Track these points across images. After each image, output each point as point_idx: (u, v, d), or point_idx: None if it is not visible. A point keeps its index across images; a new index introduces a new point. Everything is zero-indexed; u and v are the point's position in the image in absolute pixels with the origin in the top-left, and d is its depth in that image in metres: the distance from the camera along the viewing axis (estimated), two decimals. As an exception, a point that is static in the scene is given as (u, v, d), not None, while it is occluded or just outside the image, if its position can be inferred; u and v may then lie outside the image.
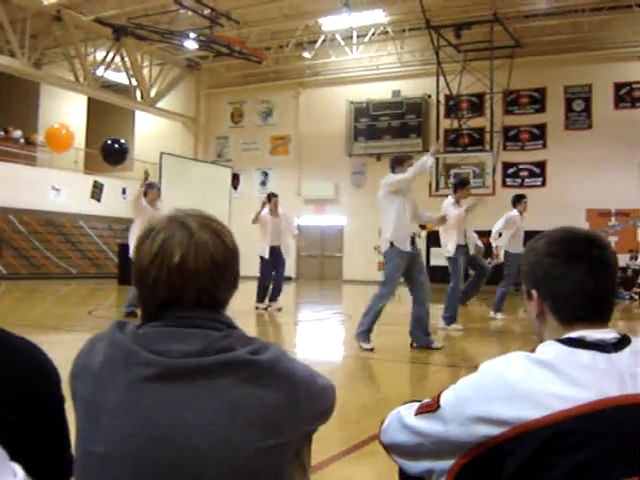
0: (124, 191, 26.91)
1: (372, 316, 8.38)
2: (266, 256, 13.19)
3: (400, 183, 8.32)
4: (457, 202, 11.00)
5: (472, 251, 11.13)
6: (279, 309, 13.07)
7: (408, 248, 8.37)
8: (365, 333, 8.31)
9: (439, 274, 25.09)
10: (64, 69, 25.30)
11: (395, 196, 8.37)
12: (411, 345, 8.59)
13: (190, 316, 1.47)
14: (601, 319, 1.60)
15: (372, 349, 8.13)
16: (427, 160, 8.40)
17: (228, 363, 1.40)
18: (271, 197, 13.64)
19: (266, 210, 13.46)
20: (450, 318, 10.57)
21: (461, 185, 11.30)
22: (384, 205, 8.47)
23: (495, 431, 1.43)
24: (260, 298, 13.22)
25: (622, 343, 1.53)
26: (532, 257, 1.66)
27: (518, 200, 12.32)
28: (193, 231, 1.49)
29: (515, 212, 12.18)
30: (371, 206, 27.37)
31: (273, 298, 13.24)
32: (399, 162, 8.64)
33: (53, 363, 1.62)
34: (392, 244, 8.31)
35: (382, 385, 6.30)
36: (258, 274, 13.35)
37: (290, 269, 27.83)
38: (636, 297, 19.56)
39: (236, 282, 1.58)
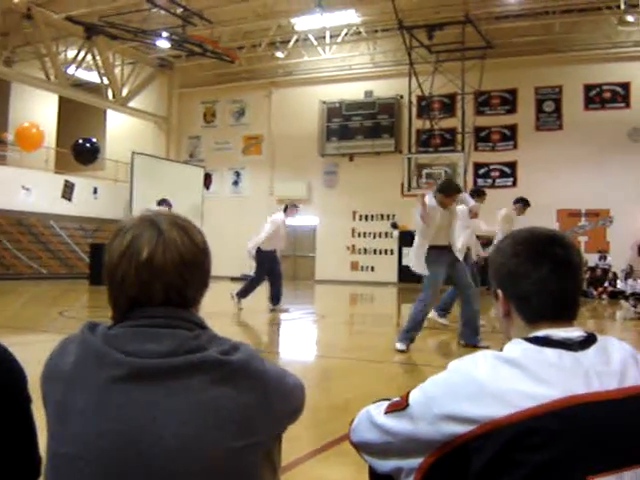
0: (95, 191, 26.74)
1: (411, 322, 8.36)
2: (253, 252, 13.07)
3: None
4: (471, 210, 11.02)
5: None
6: (286, 310, 13.03)
7: (419, 270, 8.47)
8: (403, 333, 8.35)
9: (410, 274, 25.30)
10: (35, 67, 25.04)
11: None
12: (459, 343, 8.79)
13: (161, 315, 1.47)
14: (566, 318, 1.62)
15: (404, 350, 8.13)
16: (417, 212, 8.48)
17: (199, 363, 1.41)
18: (294, 207, 13.67)
19: (282, 215, 13.39)
20: (443, 311, 10.65)
21: (477, 194, 11.32)
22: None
23: (463, 429, 1.44)
24: (245, 294, 13.16)
25: (588, 341, 1.55)
26: (497, 258, 1.69)
27: (517, 202, 12.21)
28: (162, 229, 1.50)
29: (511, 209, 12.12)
30: (343, 206, 27.56)
31: (277, 301, 13.09)
32: (443, 191, 8.53)
33: (19, 363, 1.62)
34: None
35: (353, 384, 6.31)
36: (253, 273, 13.39)
37: (262, 269, 27.81)
38: (604, 296, 19.77)
39: (206, 281, 1.59)
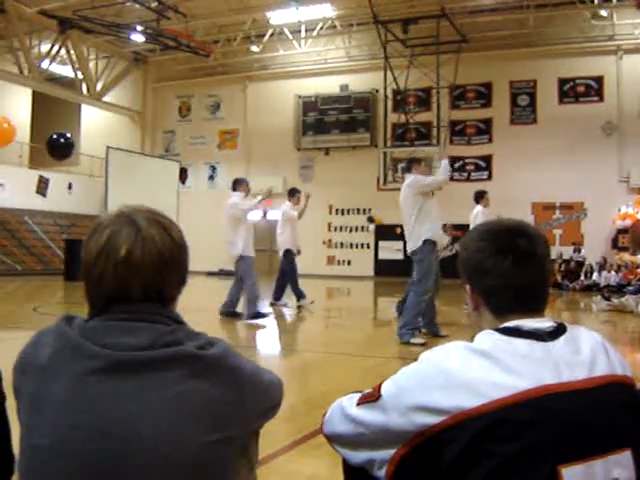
0: (70, 186, 26.57)
1: (414, 314, 8.55)
2: (295, 249, 13.16)
3: (430, 187, 8.66)
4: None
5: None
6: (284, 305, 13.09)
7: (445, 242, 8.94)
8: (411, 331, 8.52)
9: (387, 268, 25.38)
10: (8, 62, 24.80)
11: (423, 196, 8.61)
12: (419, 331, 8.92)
13: (138, 310, 1.47)
14: (534, 310, 1.63)
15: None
16: (446, 164, 8.83)
17: (175, 357, 1.41)
18: (295, 192, 13.49)
19: (288, 204, 13.34)
20: None
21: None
22: (412, 205, 8.62)
23: (434, 420, 1.45)
24: (300, 293, 13.23)
25: (558, 332, 1.56)
26: (464, 252, 1.70)
27: (481, 196, 12.54)
28: (140, 226, 1.50)
29: (480, 207, 12.39)
30: (320, 200, 27.50)
31: (279, 297, 13.22)
32: (418, 162, 9.05)
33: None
34: (430, 241, 8.55)
35: (330, 378, 6.33)
36: (280, 272, 13.38)
37: (239, 264, 27.73)
38: (576, 287, 19.97)
39: (184, 278, 1.59)
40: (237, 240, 10.98)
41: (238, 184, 11.45)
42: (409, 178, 8.75)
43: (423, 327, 8.98)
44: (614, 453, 1.45)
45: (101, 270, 1.47)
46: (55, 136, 24.24)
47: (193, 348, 1.43)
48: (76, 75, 26.68)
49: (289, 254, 13.17)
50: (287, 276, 13.22)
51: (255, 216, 12.15)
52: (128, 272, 1.46)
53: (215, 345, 1.48)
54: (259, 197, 11.41)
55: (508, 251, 1.62)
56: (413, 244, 8.63)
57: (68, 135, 24.74)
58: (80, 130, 29.90)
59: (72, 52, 25.95)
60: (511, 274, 1.61)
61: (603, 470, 1.43)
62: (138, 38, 25.30)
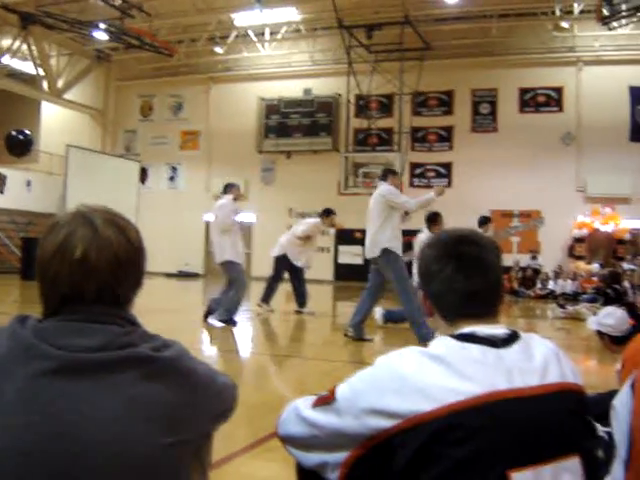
0: (29, 183, 26.25)
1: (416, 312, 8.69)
2: (299, 264, 13.18)
3: (400, 206, 8.87)
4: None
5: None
6: (312, 313, 12.90)
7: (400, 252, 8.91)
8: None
9: (346, 272, 25.45)
10: (-33, 56, 24.48)
11: (390, 208, 8.81)
12: (345, 335, 9.14)
13: (92, 311, 1.46)
14: (481, 316, 1.65)
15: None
16: (432, 198, 9.05)
17: (129, 359, 1.40)
18: (330, 213, 13.35)
19: (319, 220, 13.24)
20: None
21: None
22: (379, 212, 8.84)
23: (388, 423, 1.47)
24: (266, 298, 13.11)
25: (512, 339, 1.59)
26: (419, 259, 1.74)
27: (484, 222, 12.61)
28: (97, 227, 1.49)
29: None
30: (280, 203, 27.50)
31: (304, 304, 13.13)
32: (394, 173, 9.45)
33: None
34: (389, 250, 8.71)
35: (286, 381, 6.34)
36: (271, 273, 13.58)
37: (198, 266, 27.69)
38: (531, 294, 20.21)
39: (140, 280, 1.58)
40: (225, 245, 10.50)
41: (229, 188, 11.09)
42: (384, 187, 8.93)
43: (350, 327, 9.08)
44: (563, 459, 1.48)
45: (56, 270, 1.46)
46: (14, 132, 23.95)
47: (148, 350, 1.43)
48: (37, 71, 26.35)
49: (283, 260, 13.11)
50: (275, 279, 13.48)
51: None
52: (83, 273, 1.46)
53: (170, 347, 1.48)
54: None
55: (451, 257, 1.65)
56: (372, 251, 8.83)
57: (27, 132, 24.46)
58: (40, 127, 29.53)
59: (33, 48, 25.62)
60: (454, 279, 1.64)
61: (552, 475, 1.46)
62: (101, 36, 25.05)
